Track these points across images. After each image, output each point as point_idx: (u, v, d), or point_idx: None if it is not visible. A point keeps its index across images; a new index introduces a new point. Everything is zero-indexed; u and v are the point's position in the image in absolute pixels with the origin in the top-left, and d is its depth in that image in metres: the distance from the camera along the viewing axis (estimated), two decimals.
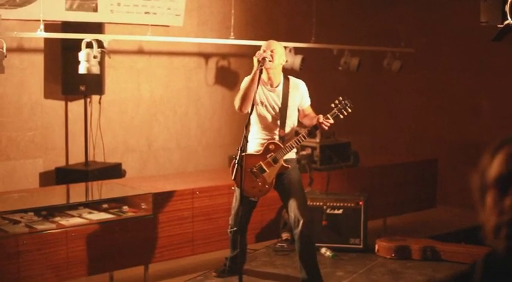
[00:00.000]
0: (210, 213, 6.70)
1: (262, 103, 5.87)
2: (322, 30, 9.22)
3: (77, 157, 7.65)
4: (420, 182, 8.90)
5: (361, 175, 8.14)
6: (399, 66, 9.51)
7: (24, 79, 7.35)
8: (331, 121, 5.75)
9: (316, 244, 6.36)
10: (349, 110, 5.81)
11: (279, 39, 8.40)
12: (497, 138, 1.67)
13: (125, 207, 6.36)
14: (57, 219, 5.96)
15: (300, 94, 5.98)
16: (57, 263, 5.61)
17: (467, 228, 7.97)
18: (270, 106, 5.88)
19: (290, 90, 5.93)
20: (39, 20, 6.74)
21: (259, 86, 5.78)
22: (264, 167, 5.81)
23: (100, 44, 6.91)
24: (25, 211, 5.96)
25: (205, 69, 8.77)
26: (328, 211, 7.07)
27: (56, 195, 6.66)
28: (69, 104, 7.67)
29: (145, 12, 7.83)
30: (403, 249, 6.85)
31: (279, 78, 5.94)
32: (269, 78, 5.88)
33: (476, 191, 1.62)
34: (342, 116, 5.81)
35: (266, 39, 8.37)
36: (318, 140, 7.75)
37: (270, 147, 5.84)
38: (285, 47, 8.33)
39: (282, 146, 5.83)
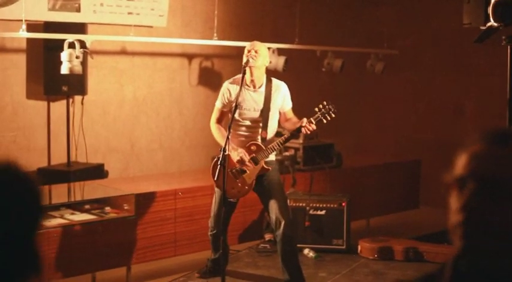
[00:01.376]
0: (192, 214, 6.68)
1: (244, 105, 5.86)
2: (306, 31, 9.22)
3: (59, 158, 7.61)
4: (403, 182, 8.93)
5: (344, 176, 8.15)
6: (382, 68, 9.53)
7: (6, 79, 7.30)
8: (314, 127, 5.75)
9: (299, 245, 6.37)
10: (333, 115, 5.81)
11: (262, 40, 8.38)
12: (470, 137, 1.67)
13: (107, 208, 6.34)
14: None
15: (281, 96, 5.97)
16: None
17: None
18: (252, 108, 5.87)
19: (272, 92, 5.92)
20: (21, 20, 6.71)
21: (242, 87, 5.78)
22: (244, 168, 5.80)
23: (82, 44, 6.88)
24: None
25: (188, 70, 8.75)
26: (311, 212, 7.08)
27: None
28: (52, 104, 7.63)
29: (129, 13, 7.80)
30: (386, 250, 6.86)
31: (261, 79, 5.93)
32: (252, 80, 5.87)
33: (444, 190, 1.63)
34: (325, 121, 5.81)
35: (250, 40, 8.36)
36: (301, 141, 7.75)
37: (252, 148, 5.83)
38: (269, 48, 8.34)
39: (263, 147, 5.83)
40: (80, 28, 7.33)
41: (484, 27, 5.67)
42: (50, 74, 7.26)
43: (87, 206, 6.38)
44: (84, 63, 7.09)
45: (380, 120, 10.59)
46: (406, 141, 10.35)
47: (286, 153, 7.77)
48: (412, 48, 10.16)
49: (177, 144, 8.69)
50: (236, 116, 5.81)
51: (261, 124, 5.88)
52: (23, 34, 6.76)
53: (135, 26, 7.70)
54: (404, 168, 9.02)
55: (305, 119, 5.74)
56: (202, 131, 8.85)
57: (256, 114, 5.87)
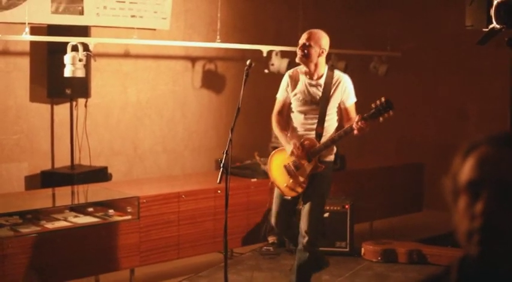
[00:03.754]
0: (196, 217, 6.69)
1: (301, 96, 5.65)
2: None
3: (62, 160, 7.62)
4: (407, 185, 8.92)
5: (348, 178, 8.14)
6: (385, 70, 9.53)
7: (10, 82, 7.31)
8: (363, 124, 5.37)
9: None
10: (390, 113, 5.46)
11: (265, 43, 8.46)
12: (468, 140, 1.64)
13: (111, 211, 6.34)
14: (42, 222, 5.94)
15: (342, 89, 5.66)
16: (42, 266, 5.59)
17: (454, 232, 7.97)
18: (309, 100, 5.63)
19: (332, 84, 5.63)
20: (24, 23, 6.72)
21: (300, 78, 5.65)
22: (298, 163, 5.58)
23: (86, 47, 6.89)
24: (10, 214, 5.93)
25: (192, 72, 8.76)
26: None
27: (41, 199, 6.64)
28: (55, 107, 7.64)
29: (132, 16, 7.81)
30: (390, 253, 6.86)
31: (321, 70, 5.65)
32: (309, 71, 5.65)
33: (448, 195, 1.60)
34: (381, 119, 5.50)
35: (253, 43, 8.44)
36: None
37: (305, 143, 5.58)
38: (272, 51, 8.36)
39: (317, 143, 5.56)
40: (83, 31, 7.34)
41: (486, 29, 5.68)
42: (53, 77, 7.26)
43: (90, 209, 6.39)
44: (87, 66, 7.09)
45: (383, 122, 10.56)
46: (409, 144, 10.35)
47: None
48: (415, 50, 10.16)
49: (181, 147, 8.70)
50: (293, 108, 5.67)
51: (317, 117, 5.61)
52: (27, 37, 6.77)
53: (138, 28, 7.71)
54: (408, 171, 9.01)
55: (358, 116, 5.42)
56: (205, 133, 8.87)
57: (312, 107, 5.61)
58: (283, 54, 8.50)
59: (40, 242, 5.58)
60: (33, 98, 7.48)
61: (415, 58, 10.18)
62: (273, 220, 5.88)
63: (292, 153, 5.54)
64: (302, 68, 5.69)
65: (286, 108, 5.78)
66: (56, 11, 7.28)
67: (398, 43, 10.07)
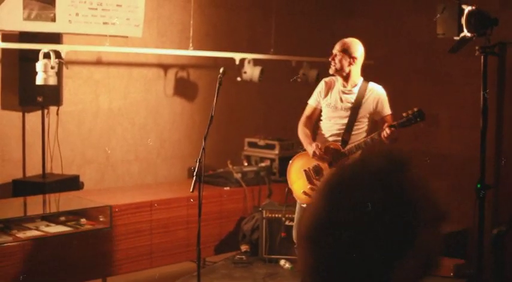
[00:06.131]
0: (168, 226, 6.67)
1: (333, 103, 5.72)
2: (282, 41, 9.24)
3: (34, 169, 7.56)
4: None
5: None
6: None
7: None
8: (389, 132, 5.40)
9: (275, 256, 6.36)
10: (419, 122, 5.50)
11: (238, 51, 8.45)
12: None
13: (83, 220, 6.31)
14: (13, 232, 5.89)
15: (374, 100, 5.75)
16: (13, 276, 5.54)
17: None
18: (340, 107, 5.70)
19: (366, 94, 5.72)
20: None
21: (336, 83, 5.76)
22: (318, 167, 5.60)
23: (58, 54, 6.85)
24: None
25: (164, 80, 8.73)
26: (287, 223, 7.07)
27: (12, 208, 6.59)
28: (27, 115, 7.58)
29: (104, 23, 7.77)
30: None
31: (354, 80, 5.77)
32: (343, 80, 5.75)
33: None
34: (410, 127, 5.54)
35: (226, 51, 8.44)
36: (277, 151, 7.75)
37: (330, 147, 5.62)
38: (244, 59, 8.36)
39: (341, 149, 5.60)
40: (55, 38, 7.30)
41: (457, 38, 5.74)
42: (25, 85, 7.21)
43: (62, 218, 6.35)
44: (59, 74, 7.05)
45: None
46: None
47: (262, 164, 7.78)
48: (387, 58, 10.21)
49: (153, 155, 8.66)
50: (323, 115, 5.72)
51: (345, 125, 5.66)
52: None
53: (110, 36, 7.67)
54: None
55: (386, 125, 5.49)
56: (178, 142, 8.84)
57: (343, 115, 5.67)
58: (256, 62, 8.50)
59: (11, 252, 5.53)
60: (5, 105, 7.42)
61: (387, 66, 10.22)
62: (294, 232, 5.91)
63: (314, 154, 5.55)
64: (339, 78, 5.79)
65: (316, 115, 5.87)
66: (28, 18, 7.22)
67: (371, 51, 10.11)
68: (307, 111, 5.93)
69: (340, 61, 5.70)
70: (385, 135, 5.41)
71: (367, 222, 1.36)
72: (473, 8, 5.62)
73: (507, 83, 8.80)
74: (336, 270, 1.38)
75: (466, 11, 5.62)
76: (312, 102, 5.92)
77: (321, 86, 5.89)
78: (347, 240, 1.36)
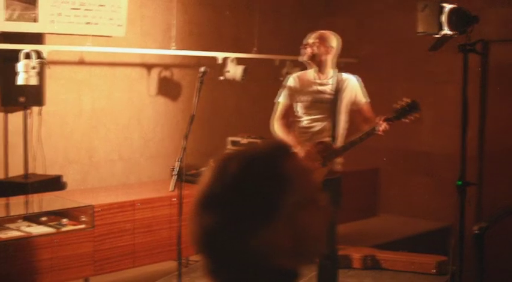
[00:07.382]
0: (151, 225, 6.66)
1: (309, 96, 5.50)
2: (265, 40, 9.26)
3: (16, 169, 7.54)
4: (361, 191, 8.98)
5: None
6: None
7: None
8: (386, 126, 5.36)
9: None
10: (416, 115, 5.44)
11: (222, 50, 8.46)
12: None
13: (65, 220, 6.30)
14: None
15: (351, 89, 5.59)
16: None
17: (409, 237, 8.06)
18: (318, 99, 5.48)
19: (341, 84, 5.53)
20: None
21: (308, 78, 5.53)
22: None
23: (39, 54, 6.84)
24: None
25: (147, 79, 8.72)
26: None
27: None
28: (9, 115, 7.56)
29: (87, 23, 7.74)
30: (344, 258, 6.89)
31: (329, 69, 5.56)
32: (315, 72, 5.55)
33: None
34: (407, 120, 5.47)
35: (209, 50, 8.44)
36: None
37: (319, 147, 5.38)
38: (227, 58, 8.36)
39: (332, 146, 5.42)
40: (37, 38, 7.28)
41: (438, 36, 5.75)
42: (6, 85, 7.19)
43: (44, 218, 6.34)
44: (41, 74, 7.04)
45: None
46: (364, 150, 10.40)
47: None
48: (369, 57, 10.24)
49: (136, 154, 8.66)
50: (300, 112, 5.49)
51: (329, 119, 5.45)
52: None
53: (93, 36, 7.66)
54: (363, 177, 9.07)
55: (379, 118, 5.37)
56: (161, 141, 8.83)
57: (321, 108, 5.45)
58: (239, 61, 8.51)
59: None
60: None
61: (370, 64, 10.25)
62: None
63: (306, 154, 5.24)
64: (311, 71, 5.59)
65: (290, 113, 5.59)
66: (9, 18, 7.19)
67: (354, 49, 10.15)
68: (280, 110, 5.62)
69: (318, 48, 5.50)
70: (383, 129, 5.38)
71: (245, 189, 1.57)
72: (454, 6, 5.64)
73: (490, 81, 8.84)
74: (215, 235, 1.59)
75: (446, 9, 5.63)
76: (283, 99, 5.62)
77: (293, 81, 5.62)
78: (226, 208, 1.57)
